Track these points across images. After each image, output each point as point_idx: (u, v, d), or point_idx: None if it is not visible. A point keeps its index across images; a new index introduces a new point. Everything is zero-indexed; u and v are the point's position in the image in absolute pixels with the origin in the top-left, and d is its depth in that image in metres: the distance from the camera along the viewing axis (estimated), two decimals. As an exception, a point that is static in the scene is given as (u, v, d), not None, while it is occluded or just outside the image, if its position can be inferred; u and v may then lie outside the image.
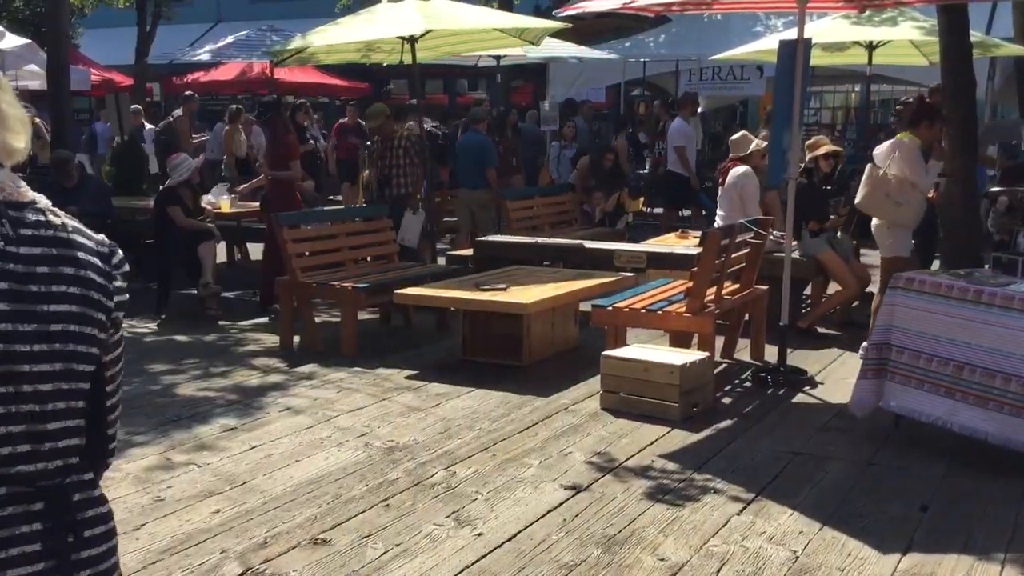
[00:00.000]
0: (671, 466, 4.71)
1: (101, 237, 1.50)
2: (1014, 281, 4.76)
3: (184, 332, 7.66)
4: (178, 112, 13.56)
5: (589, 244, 8.15)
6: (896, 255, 6.57)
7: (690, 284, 6.02)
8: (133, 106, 13.75)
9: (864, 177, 6.59)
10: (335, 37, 8.85)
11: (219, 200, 9.77)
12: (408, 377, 6.29)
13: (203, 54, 16.48)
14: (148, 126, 13.21)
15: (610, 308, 6.22)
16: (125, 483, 4.44)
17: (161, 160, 11.56)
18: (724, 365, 6.64)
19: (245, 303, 8.76)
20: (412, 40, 8.49)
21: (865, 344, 5.76)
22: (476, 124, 10.65)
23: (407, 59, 8.78)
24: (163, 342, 7.41)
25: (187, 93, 14.70)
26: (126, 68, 18.25)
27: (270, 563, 3.66)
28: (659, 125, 14.33)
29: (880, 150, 6.69)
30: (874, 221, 6.75)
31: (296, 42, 8.97)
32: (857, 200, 6.73)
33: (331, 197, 13.96)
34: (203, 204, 8.84)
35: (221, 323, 7.92)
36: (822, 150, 7.67)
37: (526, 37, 9.28)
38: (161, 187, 9.05)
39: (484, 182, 10.17)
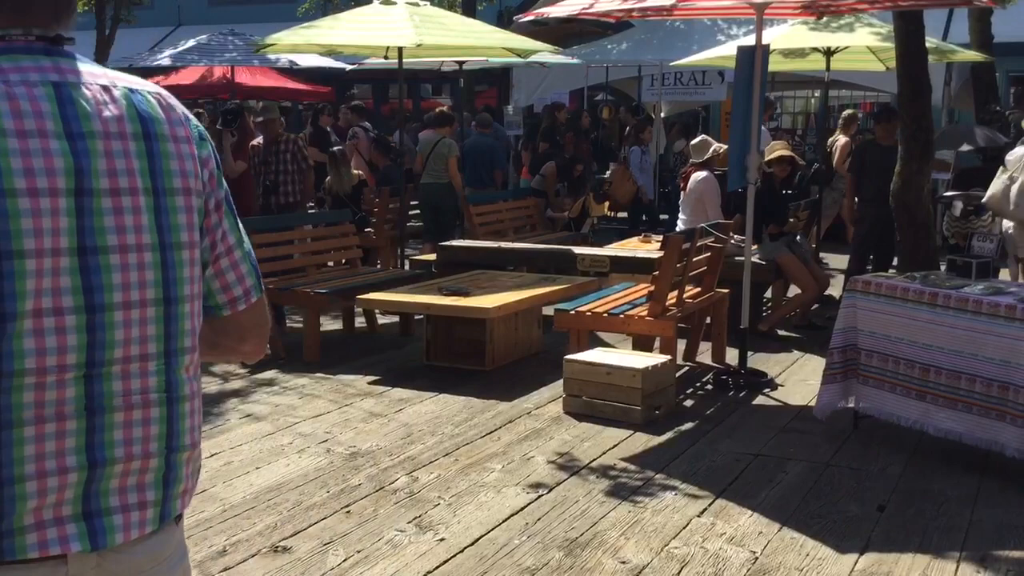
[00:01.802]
0: (633, 469, 4.74)
1: None
2: (968, 284, 4.84)
3: (144, 339, 7.57)
4: None
5: (552, 248, 8.18)
6: None
7: (652, 288, 6.06)
8: None
9: (996, 180, 6.95)
10: (323, 37, 8.82)
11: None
12: (370, 383, 6.26)
13: (163, 58, 16.27)
14: None
15: (573, 312, 6.24)
16: (82, 492, 4.38)
17: None
18: (686, 368, 6.68)
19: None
20: (399, 49, 8.51)
21: None
22: (483, 128, 11.46)
23: (391, 55, 8.81)
24: (122, 349, 7.32)
25: None
26: (85, 72, 18.01)
27: (229, 571, 3.63)
28: (626, 130, 14.39)
29: (1015, 154, 6.99)
30: (1005, 223, 7.16)
31: (283, 38, 8.88)
32: (985, 199, 7.05)
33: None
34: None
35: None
36: (774, 155, 7.75)
37: (515, 52, 9.42)
38: None
39: (491, 182, 11.06)
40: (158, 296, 1.40)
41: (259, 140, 8.44)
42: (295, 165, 8.26)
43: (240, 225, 1.55)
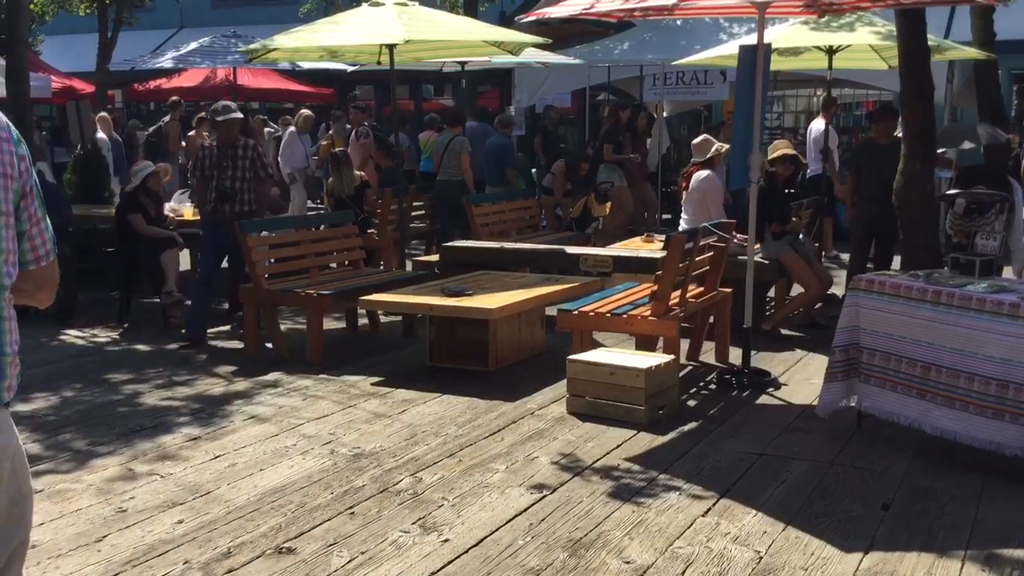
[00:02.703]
0: (637, 469, 4.74)
1: None
2: (971, 282, 4.83)
3: (147, 341, 7.59)
4: (166, 119, 14.47)
5: (555, 248, 8.18)
6: None
7: (655, 287, 6.05)
8: (101, 114, 13.70)
9: None
10: (313, 40, 8.81)
11: (181, 207, 9.69)
12: (374, 384, 6.27)
13: (166, 60, 16.28)
14: (100, 135, 13.01)
15: (576, 312, 6.24)
16: (87, 494, 4.39)
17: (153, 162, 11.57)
18: (689, 368, 6.68)
19: (209, 311, 8.66)
20: (391, 47, 8.49)
21: None
22: (504, 128, 11.94)
23: (384, 60, 8.77)
24: (125, 351, 7.33)
25: (174, 99, 14.89)
26: (87, 75, 18.04)
27: (234, 573, 3.63)
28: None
29: None
30: None
31: (273, 42, 8.86)
32: None
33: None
34: (166, 212, 8.77)
35: (184, 331, 7.84)
36: (777, 154, 7.74)
37: (504, 48, 9.38)
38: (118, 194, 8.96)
39: (504, 180, 11.60)
40: None
41: (209, 141, 8.03)
42: (252, 173, 7.59)
43: (44, 204, 2.16)
